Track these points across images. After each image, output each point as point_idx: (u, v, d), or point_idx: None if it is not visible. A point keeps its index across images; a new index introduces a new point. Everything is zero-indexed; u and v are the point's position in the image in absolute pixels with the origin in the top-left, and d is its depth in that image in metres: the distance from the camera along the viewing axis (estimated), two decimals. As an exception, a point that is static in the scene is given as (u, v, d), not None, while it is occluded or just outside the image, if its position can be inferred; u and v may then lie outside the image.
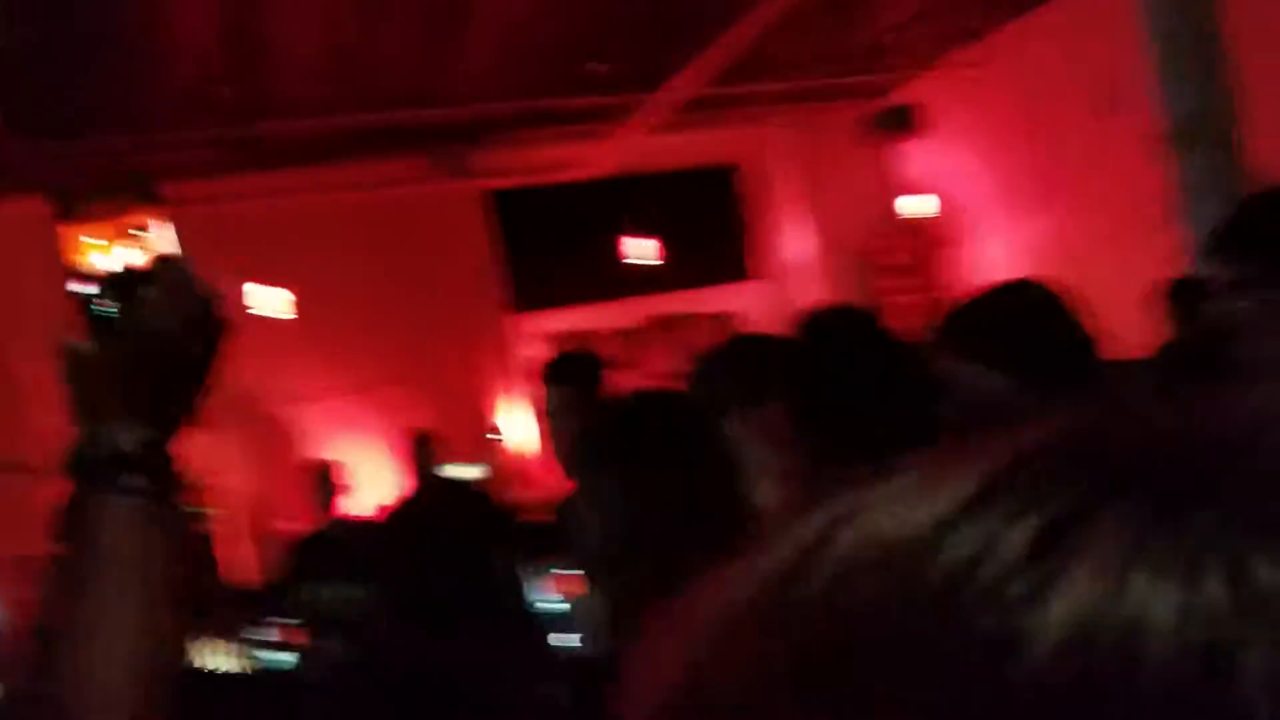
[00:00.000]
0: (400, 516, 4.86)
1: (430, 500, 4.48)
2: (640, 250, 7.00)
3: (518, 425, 7.57)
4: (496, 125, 6.86)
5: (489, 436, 7.31)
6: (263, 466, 6.91)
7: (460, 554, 4.38)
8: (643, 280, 7.62)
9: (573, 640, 1.65)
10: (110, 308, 0.76)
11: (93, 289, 0.77)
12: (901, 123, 7.72)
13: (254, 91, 5.59)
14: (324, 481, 4.60)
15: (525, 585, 1.70)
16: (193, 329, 0.76)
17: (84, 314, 0.77)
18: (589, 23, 5.57)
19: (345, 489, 4.69)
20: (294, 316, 6.34)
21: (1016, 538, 0.22)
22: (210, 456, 6.90)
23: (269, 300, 6.46)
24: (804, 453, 1.47)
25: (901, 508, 0.24)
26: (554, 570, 1.75)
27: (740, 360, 1.81)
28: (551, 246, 7.65)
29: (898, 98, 7.77)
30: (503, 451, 7.37)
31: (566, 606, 1.66)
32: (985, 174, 7.46)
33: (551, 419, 2.74)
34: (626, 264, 7.41)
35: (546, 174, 7.42)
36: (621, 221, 7.26)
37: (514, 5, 5.25)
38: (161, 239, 0.79)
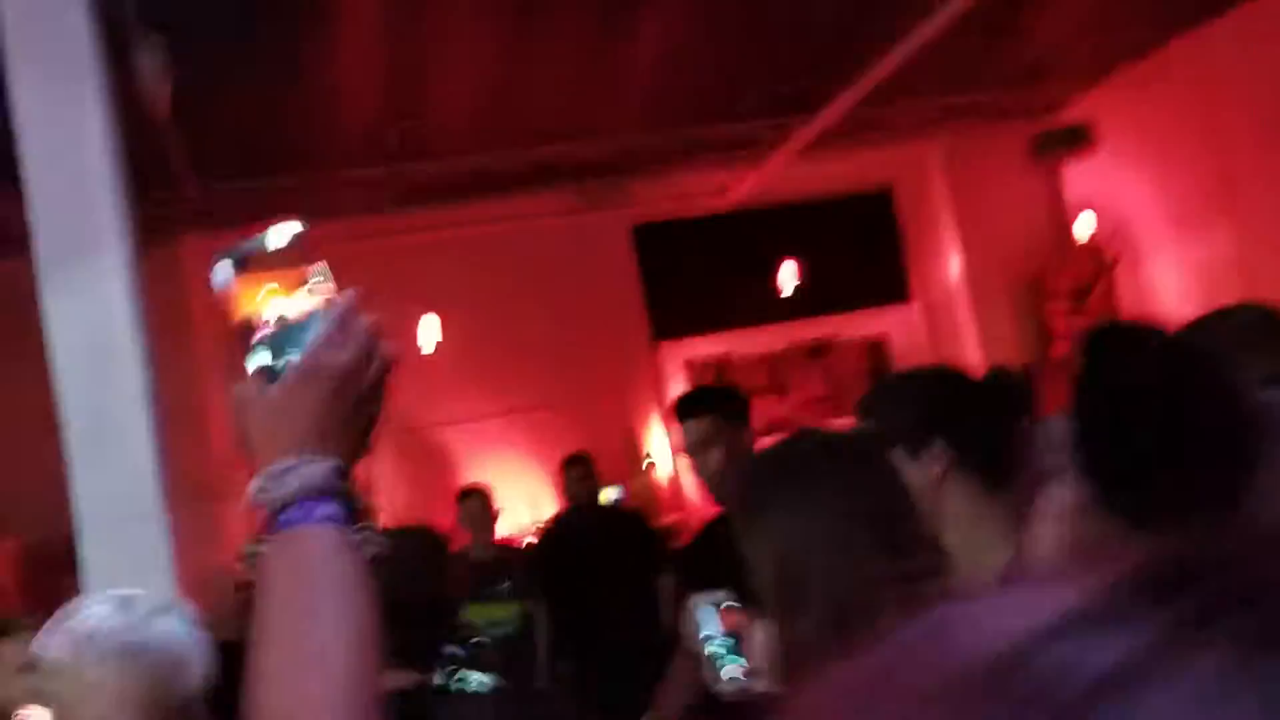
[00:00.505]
0: (555, 538, 4.90)
1: (586, 523, 4.52)
2: (788, 275, 6.90)
3: (668, 453, 7.57)
4: (647, 157, 6.90)
5: (645, 464, 7.34)
6: (415, 489, 7.11)
7: (620, 579, 4.40)
8: (790, 305, 7.51)
9: (739, 676, 1.61)
10: (285, 352, 0.79)
11: (266, 334, 0.80)
12: (1070, 141, 7.40)
13: (416, 131, 5.79)
14: (475, 504, 4.69)
15: (696, 616, 1.67)
16: (363, 363, 0.79)
17: (259, 358, 0.80)
18: (742, 51, 5.55)
19: (496, 512, 4.78)
20: (439, 340, 6.51)
21: (1104, 657, 0.23)
22: (367, 479, 7.17)
23: (423, 327, 6.65)
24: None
25: (1006, 617, 0.26)
26: (724, 603, 1.72)
27: (917, 393, 1.74)
28: (698, 274, 7.64)
29: (1066, 114, 7.46)
30: (655, 479, 7.38)
31: (732, 641, 1.62)
32: (1159, 192, 7.08)
33: (694, 452, 2.70)
34: (774, 289, 7.33)
35: (696, 203, 7.41)
36: (770, 247, 7.18)
37: (665, 38, 5.28)
38: (325, 280, 0.82)
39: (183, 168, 5.39)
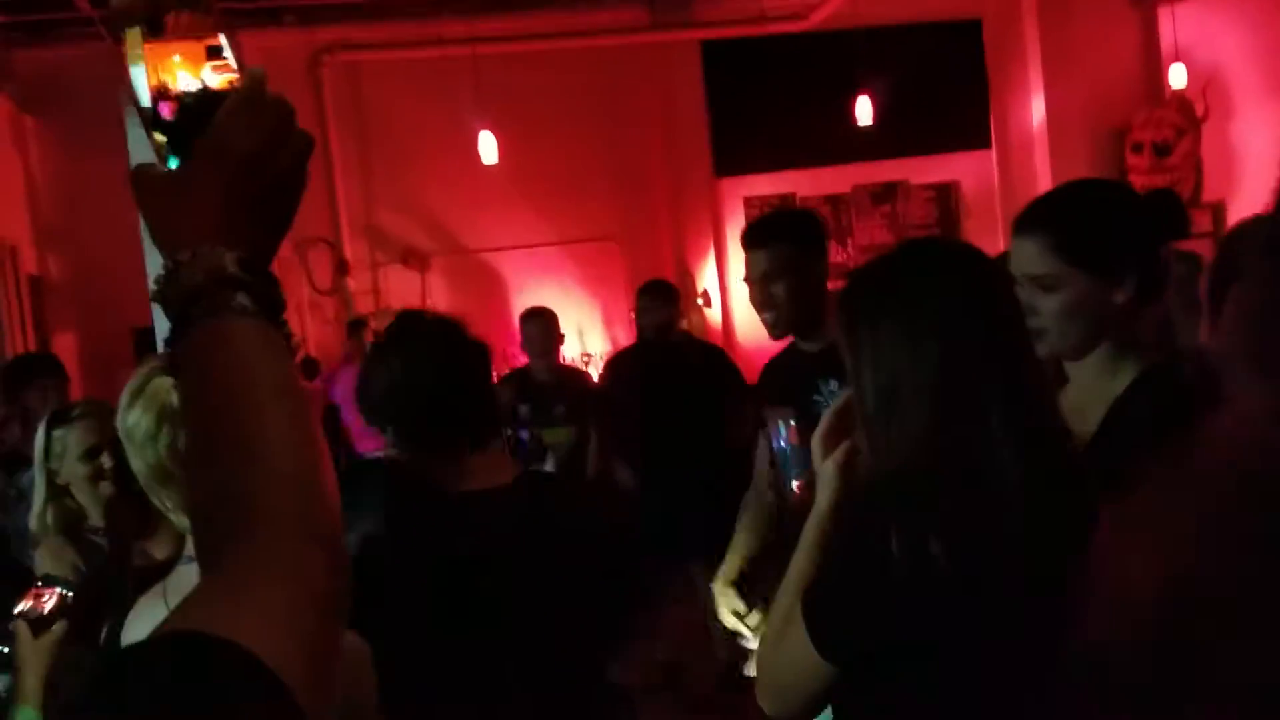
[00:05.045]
0: (627, 366, 4.79)
1: (659, 353, 4.41)
2: (863, 110, 6.55)
3: (724, 291, 7.43)
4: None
5: (698, 302, 7.20)
6: (465, 311, 7.00)
7: (693, 410, 4.32)
8: (860, 145, 7.17)
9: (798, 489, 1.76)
10: (189, 128, 0.72)
11: (169, 110, 0.73)
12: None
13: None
14: (538, 326, 4.56)
15: (770, 425, 1.80)
16: (275, 145, 0.72)
17: (161, 135, 0.73)
18: None
19: (560, 336, 4.68)
20: (495, 161, 6.27)
21: None
22: (419, 293, 7.07)
23: (480, 145, 6.40)
24: None
25: None
26: (791, 419, 1.81)
27: (1125, 225, 1.61)
28: (767, 103, 7.29)
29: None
30: (708, 316, 7.26)
31: (800, 453, 1.74)
32: (1260, 48, 6.64)
33: (762, 282, 2.51)
34: (845, 126, 6.98)
35: (773, 25, 7.01)
36: (845, 78, 6.80)
37: None
38: (230, 56, 0.73)
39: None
